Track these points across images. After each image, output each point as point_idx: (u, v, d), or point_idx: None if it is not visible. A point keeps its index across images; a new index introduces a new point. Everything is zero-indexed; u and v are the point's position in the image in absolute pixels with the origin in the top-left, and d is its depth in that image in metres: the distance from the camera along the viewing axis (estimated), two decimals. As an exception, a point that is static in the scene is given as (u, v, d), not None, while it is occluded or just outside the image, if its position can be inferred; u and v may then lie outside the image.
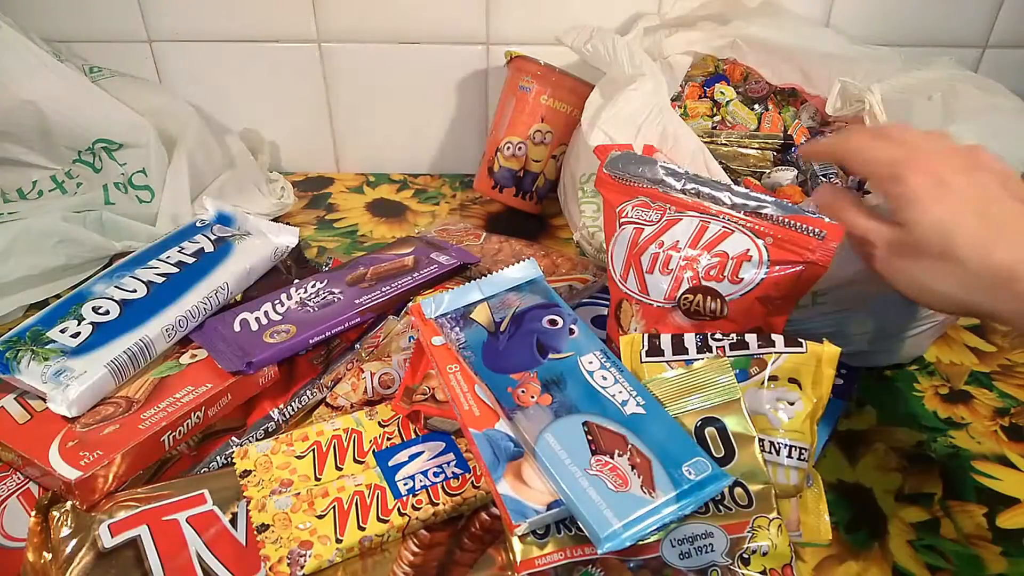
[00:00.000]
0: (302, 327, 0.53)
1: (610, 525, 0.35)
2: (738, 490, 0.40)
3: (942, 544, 0.46)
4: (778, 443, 0.42)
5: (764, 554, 0.38)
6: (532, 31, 0.80)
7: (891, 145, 0.42)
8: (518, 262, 0.51)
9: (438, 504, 0.44)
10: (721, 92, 0.72)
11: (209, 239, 0.61)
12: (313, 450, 0.47)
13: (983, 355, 0.62)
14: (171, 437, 0.47)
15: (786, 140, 0.68)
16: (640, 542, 0.37)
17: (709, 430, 0.41)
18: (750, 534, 0.39)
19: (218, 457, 0.49)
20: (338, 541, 0.42)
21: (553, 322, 0.47)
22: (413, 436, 0.48)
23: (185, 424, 0.47)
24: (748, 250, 0.44)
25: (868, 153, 0.42)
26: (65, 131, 0.68)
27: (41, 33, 0.71)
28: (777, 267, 0.44)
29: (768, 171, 0.66)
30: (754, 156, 0.67)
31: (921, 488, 0.50)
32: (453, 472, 0.46)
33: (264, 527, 0.42)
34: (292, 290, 0.58)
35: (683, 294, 0.45)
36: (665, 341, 0.45)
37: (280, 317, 0.55)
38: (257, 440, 0.51)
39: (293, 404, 0.53)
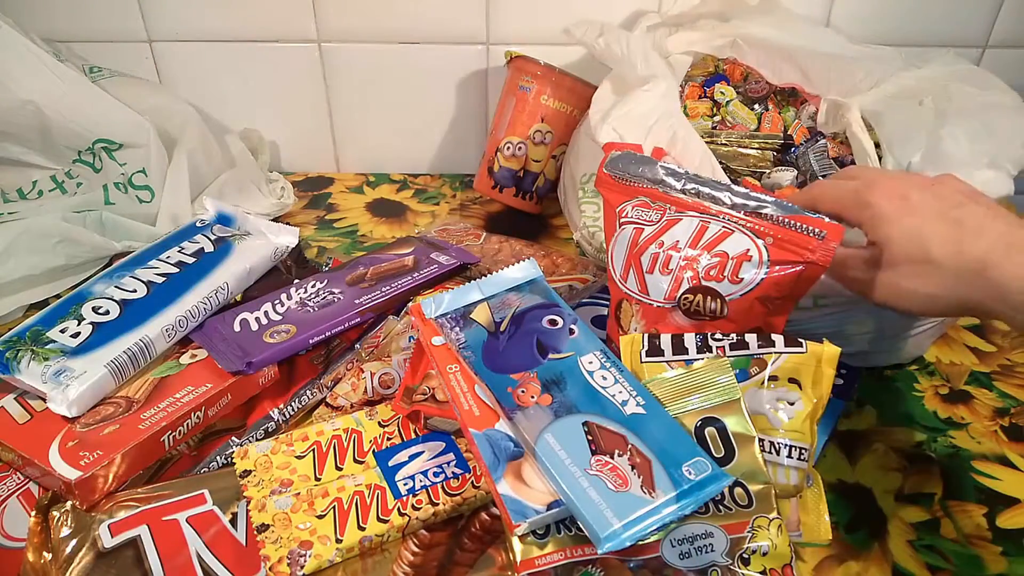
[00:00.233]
0: (302, 327, 0.53)
1: (610, 525, 0.35)
2: (738, 490, 0.40)
3: (942, 544, 0.46)
4: (778, 443, 0.42)
5: (764, 554, 0.38)
6: (532, 31, 0.80)
7: (852, 181, 0.45)
8: (518, 262, 0.51)
9: (438, 504, 0.44)
10: (721, 92, 0.72)
11: (209, 239, 0.61)
12: (313, 450, 0.47)
13: (983, 355, 0.62)
14: (171, 437, 0.47)
15: (786, 140, 0.68)
16: (640, 542, 0.37)
17: (709, 430, 0.41)
18: (750, 534, 0.39)
19: (218, 457, 0.49)
20: (338, 541, 0.42)
21: (553, 322, 0.47)
22: (413, 436, 0.48)
23: (185, 424, 0.47)
24: (748, 250, 0.44)
25: (832, 192, 0.46)
26: (65, 131, 0.68)
27: (41, 33, 0.71)
28: (777, 267, 0.44)
29: (768, 171, 0.66)
30: (754, 156, 0.67)
31: (921, 488, 0.50)
32: (453, 472, 0.46)
33: (264, 527, 0.42)
34: (292, 290, 0.58)
35: (683, 294, 0.45)
36: (665, 341, 0.45)
37: (280, 317, 0.55)
38: (257, 440, 0.51)
39: (293, 404, 0.53)
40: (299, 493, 0.44)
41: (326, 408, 0.53)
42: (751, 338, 0.44)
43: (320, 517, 0.43)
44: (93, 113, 0.68)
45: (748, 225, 0.44)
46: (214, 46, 0.82)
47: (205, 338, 0.54)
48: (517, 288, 0.50)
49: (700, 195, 0.46)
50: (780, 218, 0.44)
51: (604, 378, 0.43)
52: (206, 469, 0.49)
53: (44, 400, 0.48)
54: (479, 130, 0.88)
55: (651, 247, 0.47)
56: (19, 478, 0.47)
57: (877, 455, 0.52)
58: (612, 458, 0.38)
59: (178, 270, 0.57)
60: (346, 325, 0.55)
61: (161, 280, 0.56)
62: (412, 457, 0.47)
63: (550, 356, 0.45)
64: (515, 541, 0.39)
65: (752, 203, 0.45)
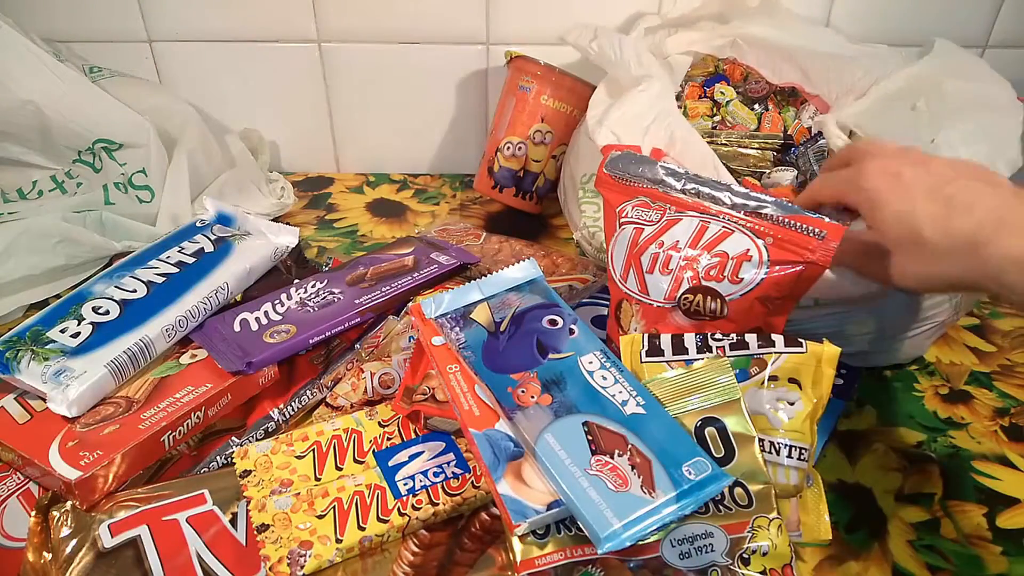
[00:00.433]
0: (302, 327, 0.53)
1: (610, 525, 0.35)
2: (738, 490, 0.40)
3: (942, 544, 0.46)
4: (778, 443, 0.42)
5: (764, 554, 0.38)
6: (532, 31, 0.80)
7: (848, 166, 0.46)
8: (518, 262, 0.51)
9: (438, 504, 0.44)
10: (721, 92, 0.72)
11: (209, 239, 0.61)
12: (313, 450, 0.47)
13: (983, 355, 0.62)
14: (171, 437, 0.47)
15: (786, 140, 0.68)
16: (640, 542, 0.37)
17: (709, 430, 0.41)
18: (750, 534, 0.39)
19: (218, 457, 0.49)
20: (338, 541, 0.42)
21: (553, 322, 0.47)
22: (413, 436, 0.48)
23: (185, 424, 0.47)
24: (748, 250, 0.44)
25: (830, 182, 0.46)
26: (65, 131, 0.68)
27: (41, 33, 0.71)
28: (777, 267, 0.44)
29: (768, 171, 0.66)
30: (754, 156, 0.67)
31: (921, 488, 0.50)
32: (453, 472, 0.46)
33: (264, 527, 0.42)
34: (292, 290, 0.58)
35: (683, 294, 0.45)
36: (665, 341, 0.45)
37: (280, 317, 0.55)
38: (257, 440, 0.51)
39: (293, 404, 0.53)
40: (299, 493, 0.44)
41: (326, 408, 0.53)
42: (751, 338, 0.44)
43: (320, 517, 0.43)
44: (93, 113, 0.68)
45: (748, 225, 0.44)
46: (214, 46, 0.82)
47: (205, 338, 0.54)
48: (517, 288, 0.50)
49: (700, 195, 0.46)
50: (780, 218, 0.44)
51: (604, 378, 0.43)
52: (206, 469, 0.49)
53: (44, 400, 0.48)
54: (479, 130, 0.88)
55: (651, 247, 0.47)
56: (19, 478, 0.47)
57: (877, 455, 0.52)
58: (612, 458, 0.38)
59: (178, 270, 0.57)
60: (346, 325, 0.55)
61: (161, 280, 0.56)
62: (412, 457, 0.47)
63: (550, 356, 0.45)
64: (515, 541, 0.39)
65: (752, 203, 0.45)
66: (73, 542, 0.42)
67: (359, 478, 0.45)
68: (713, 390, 0.42)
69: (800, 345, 0.43)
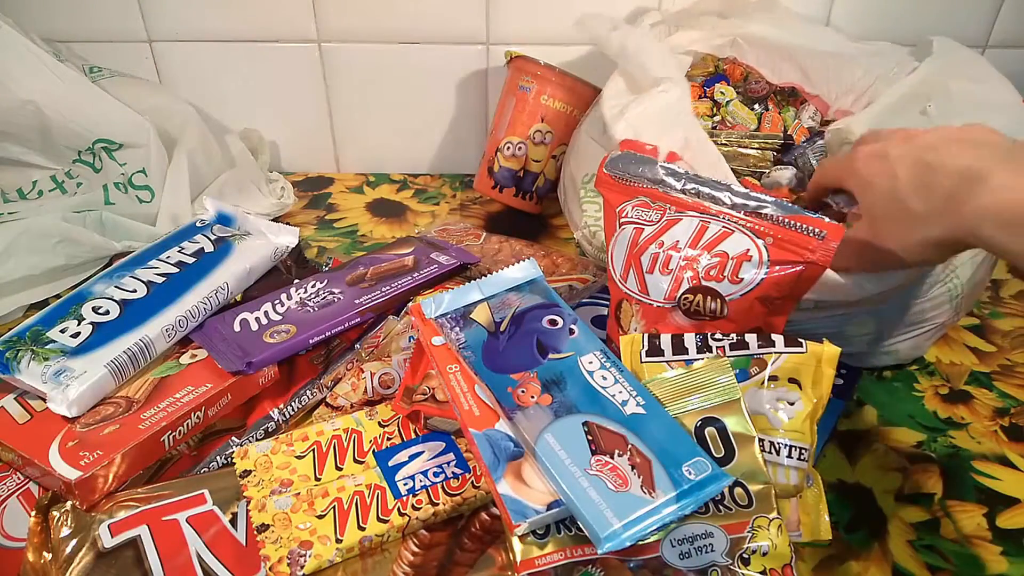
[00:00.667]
0: (302, 327, 0.53)
1: (610, 525, 0.35)
2: (738, 490, 0.40)
3: (942, 544, 0.46)
4: (778, 443, 0.42)
5: (764, 554, 0.38)
6: (532, 31, 0.80)
7: (846, 154, 0.48)
8: (518, 262, 0.51)
9: (438, 504, 0.44)
10: (721, 92, 0.72)
11: (209, 239, 0.61)
12: (313, 450, 0.47)
13: (983, 355, 0.62)
14: (171, 437, 0.47)
15: (786, 140, 0.68)
16: (640, 542, 0.37)
17: (709, 430, 0.41)
18: (750, 534, 0.39)
19: (218, 457, 0.49)
20: (338, 541, 0.42)
21: (553, 322, 0.47)
22: (413, 436, 0.48)
23: (185, 424, 0.47)
24: (748, 250, 0.44)
25: (830, 166, 0.49)
26: (65, 131, 0.68)
27: (41, 33, 0.71)
28: (777, 267, 0.43)
29: (767, 171, 0.66)
30: (754, 156, 0.67)
31: (921, 488, 0.50)
32: (453, 472, 0.46)
33: (264, 527, 0.42)
34: (292, 290, 0.58)
35: (683, 294, 0.45)
36: (665, 341, 0.45)
37: (280, 317, 0.55)
38: (257, 440, 0.51)
39: (293, 404, 0.53)
40: (299, 493, 0.44)
41: (326, 408, 0.53)
42: (751, 338, 0.44)
43: (320, 517, 0.43)
44: (93, 113, 0.68)
45: (748, 225, 0.44)
46: (214, 46, 0.82)
47: (205, 338, 0.54)
48: (517, 288, 0.50)
49: (700, 195, 0.46)
50: (780, 218, 0.44)
51: (604, 378, 0.43)
52: (206, 469, 0.49)
53: (44, 400, 0.48)
54: (479, 130, 0.88)
55: (651, 247, 0.47)
56: (19, 478, 0.47)
57: (877, 455, 0.52)
58: (612, 458, 0.38)
59: (178, 270, 0.57)
60: (346, 325, 0.55)
61: (161, 280, 0.56)
62: (412, 457, 0.47)
63: (550, 356, 0.45)
64: (515, 541, 0.39)
65: (752, 203, 0.45)
66: (73, 542, 0.42)
67: (359, 478, 0.45)
68: (713, 390, 0.42)
69: (800, 345, 0.43)
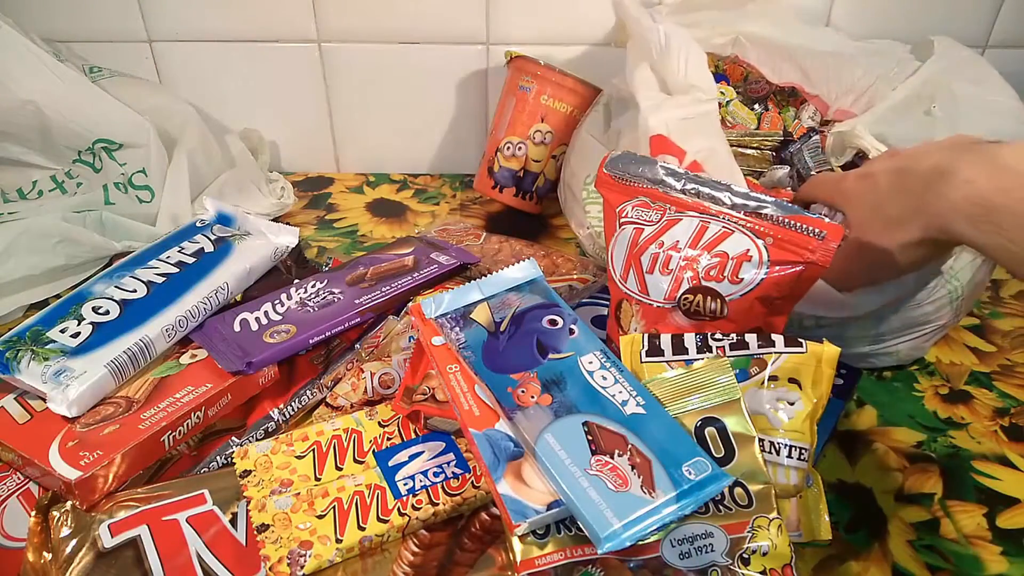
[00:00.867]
0: (302, 327, 0.53)
1: (610, 525, 0.35)
2: (738, 490, 0.40)
3: (942, 544, 0.46)
4: (778, 443, 0.42)
5: (764, 554, 0.38)
6: (532, 31, 0.80)
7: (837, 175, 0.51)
8: (518, 262, 0.51)
9: (438, 504, 0.44)
10: (721, 92, 0.72)
11: (209, 239, 0.61)
12: (313, 450, 0.47)
13: (983, 355, 0.62)
14: (171, 437, 0.47)
15: (785, 137, 0.68)
16: (640, 542, 0.37)
17: (709, 430, 0.41)
18: (750, 534, 0.39)
19: (218, 457, 0.49)
20: (338, 541, 0.42)
21: (553, 322, 0.47)
22: (413, 436, 0.48)
23: (185, 424, 0.47)
24: (748, 250, 0.44)
25: (821, 182, 0.51)
26: (65, 131, 0.68)
27: (41, 33, 0.71)
28: (777, 267, 0.43)
29: (766, 170, 0.66)
30: (754, 156, 0.67)
31: (921, 488, 0.50)
32: (453, 472, 0.46)
33: (264, 527, 0.42)
34: (292, 290, 0.58)
35: (683, 294, 0.45)
36: (665, 341, 0.45)
37: (280, 317, 0.55)
38: (257, 440, 0.51)
39: (293, 404, 0.53)
40: (299, 493, 0.44)
41: (326, 408, 0.53)
42: (751, 338, 0.44)
43: (320, 517, 0.43)
44: (93, 113, 0.68)
45: (748, 225, 0.44)
46: (214, 46, 0.82)
47: (205, 338, 0.54)
48: (517, 288, 0.50)
49: (700, 195, 0.46)
50: (780, 218, 0.44)
51: (604, 378, 0.43)
52: (206, 469, 0.49)
53: (44, 400, 0.48)
54: (479, 130, 0.88)
55: (651, 247, 0.47)
56: (19, 478, 0.47)
57: (877, 455, 0.52)
58: (612, 458, 0.38)
59: (178, 270, 0.57)
60: (346, 325, 0.55)
61: (161, 280, 0.56)
62: (412, 457, 0.47)
63: (550, 356, 0.45)
64: (515, 541, 0.39)
65: (752, 203, 0.45)
66: (73, 542, 0.42)
67: (359, 478, 0.45)
68: (713, 390, 0.42)
69: (800, 345, 0.43)
